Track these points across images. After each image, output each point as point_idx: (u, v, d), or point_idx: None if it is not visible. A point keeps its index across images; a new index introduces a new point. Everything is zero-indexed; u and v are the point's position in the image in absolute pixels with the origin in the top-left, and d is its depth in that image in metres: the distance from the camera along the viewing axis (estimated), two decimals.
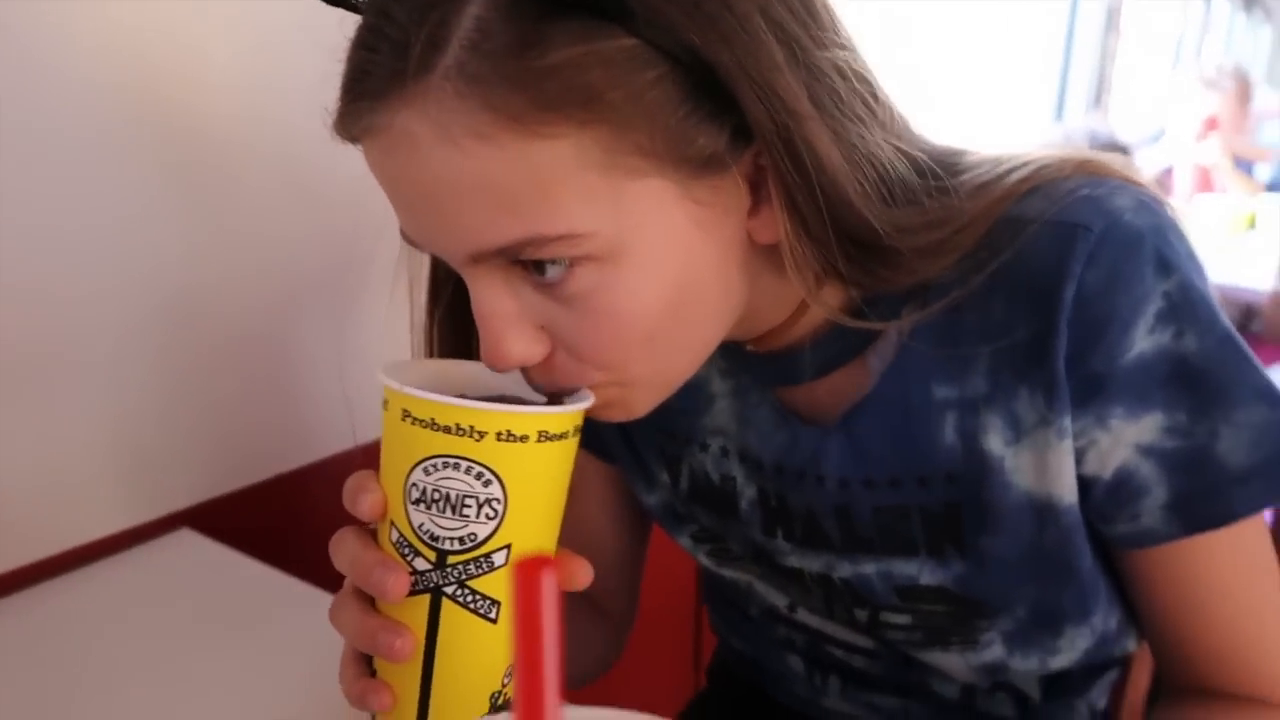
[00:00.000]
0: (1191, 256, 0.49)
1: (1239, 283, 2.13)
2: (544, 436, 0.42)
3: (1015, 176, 0.51)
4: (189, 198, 0.80)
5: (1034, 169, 0.51)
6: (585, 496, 0.78)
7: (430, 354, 0.58)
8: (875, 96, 0.49)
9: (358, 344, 0.95)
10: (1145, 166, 2.93)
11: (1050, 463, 0.51)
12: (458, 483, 0.42)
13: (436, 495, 0.42)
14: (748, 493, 0.62)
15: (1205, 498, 0.50)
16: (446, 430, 0.41)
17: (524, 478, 0.43)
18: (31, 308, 0.72)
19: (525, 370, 0.49)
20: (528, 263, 0.44)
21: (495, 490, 0.42)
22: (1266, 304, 1.67)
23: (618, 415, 0.51)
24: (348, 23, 0.44)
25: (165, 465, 0.82)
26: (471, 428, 0.41)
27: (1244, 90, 2.77)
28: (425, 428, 0.42)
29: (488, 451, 0.42)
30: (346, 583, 0.47)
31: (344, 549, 0.46)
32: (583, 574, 0.46)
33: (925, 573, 0.57)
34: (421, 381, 0.45)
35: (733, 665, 0.82)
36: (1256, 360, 0.50)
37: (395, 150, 0.43)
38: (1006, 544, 0.54)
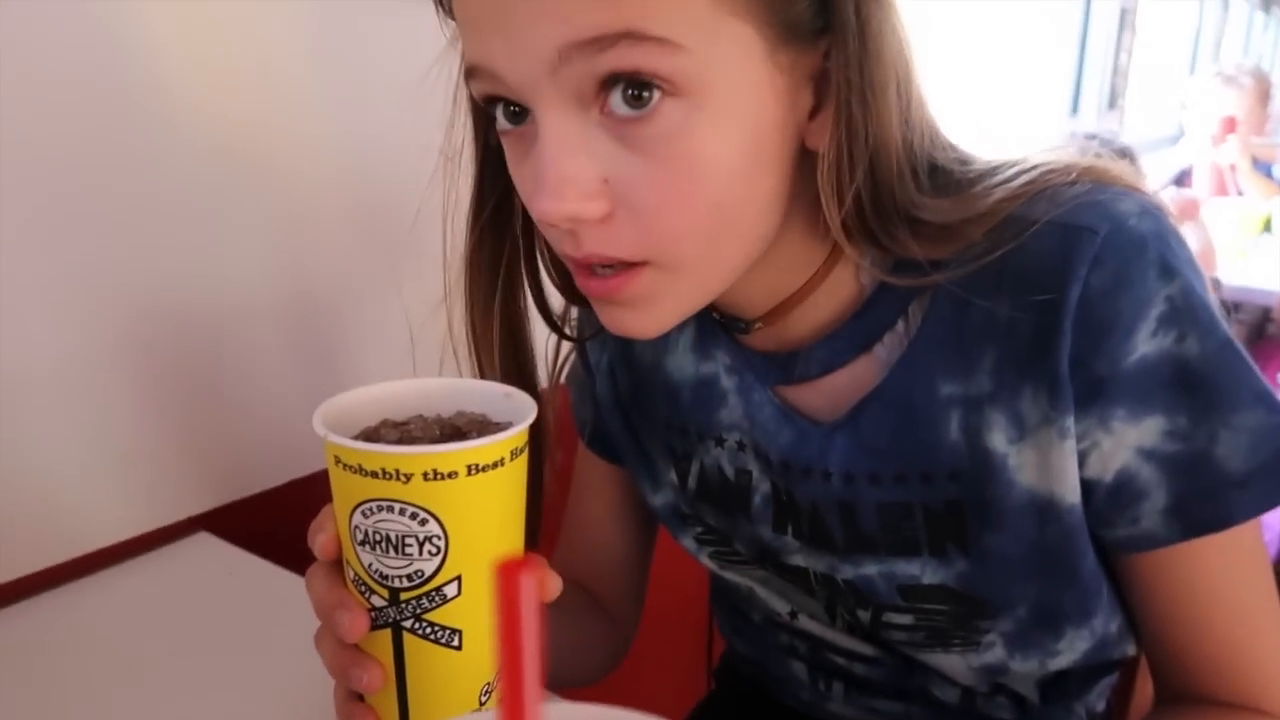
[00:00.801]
0: (1192, 262, 0.50)
1: (1254, 284, 2.12)
2: (474, 469, 0.42)
3: (1022, 179, 0.52)
4: (204, 204, 0.81)
5: (1040, 172, 0.52)
6: (590, 499, 0.79)
7: (473, 279, 0.60)
8: (917, 83, 0.51)
9: (373, 347, 0.96)
10: (1163, 168, 2.92)
11: (1053, 462, 0.52)
12: (395, 524, 0.42)
13: (378, 537, 0.43)
14: (762, 487, 0.63)
15: (1204, 501, 0.50)
16: (374, 475, 0.42)
17: (460, 512, 0.43)
18: (48, 313, 0.73)
19: (574, 232, 0.48)
20: (614, 88, 0.44)
21: (433, 528, 0.42)
22: (1277, 306, 1.66)
23: (639, 325, 0.51)
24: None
25: (183, 470, 0.83)
26: (398, 471, 0.41)
27: (1263, 89, 2.75)
28: (355, 473, 0.42)
29: (417, 492, 0.42)
30: None
31: (311, 588, 0.47)
32: (553, 585, 0.46)
33: (928, 572, 0.57)
34: (371, 410, 0.46)
35: (739, 668, 0.83)
36: (1255, 365, 0.51)
37: None
38: (1008, 542, 0.54)
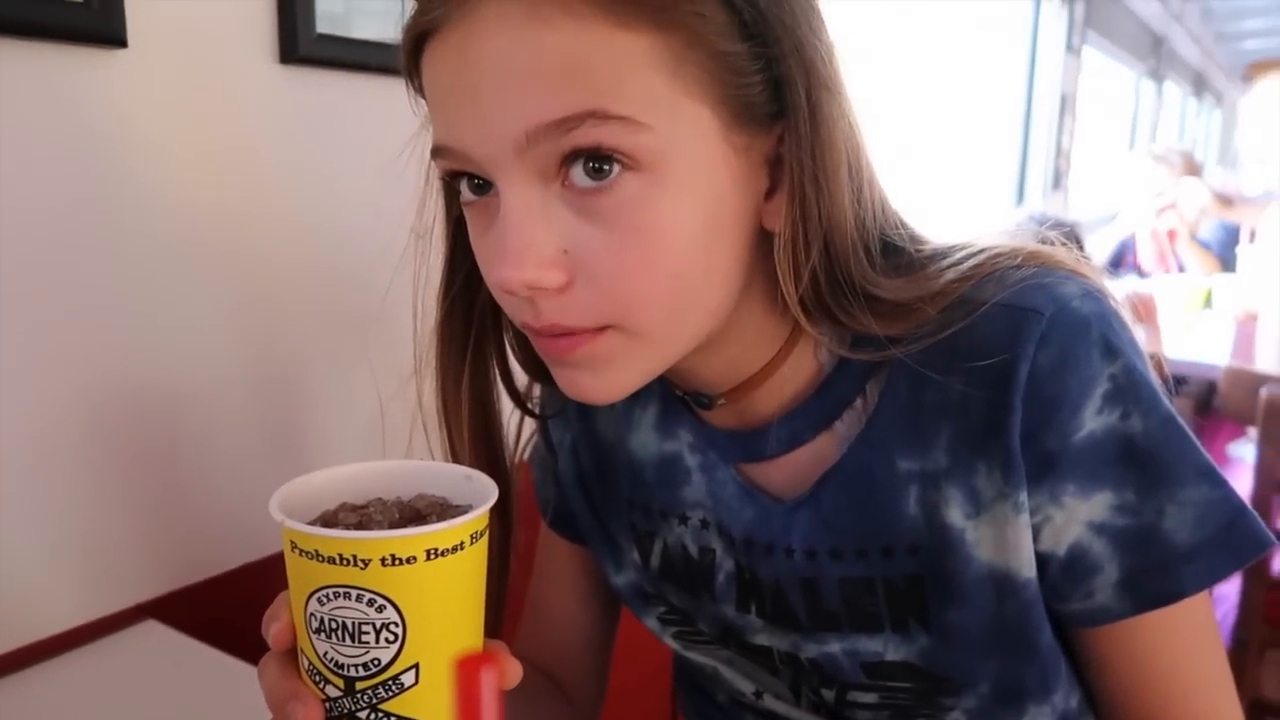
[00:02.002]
0: (1133, 343, 0.52)
1: (1198, 359, 2.18)
2: (433, 554, 0.42)
3: (971, 261, 0.54)
4: (165, 283, 0.81)
5: (988, 256, 0.55)
6: (553, 579, 0.78)
7: (444, 350, 0.61)
8: (867, 163, 0.53)
9: (321, 432, 0.96)
10: (1102, 245, 3.02)
11: (1009, 536, 0.53)
12: (351, 611, 0.42)
13: (334, 624, 0.42)
14: (726, 566, 0.63)
15: (1155, 575, 0.51)
16: (332, 561, 0.41)
17: (419, 598, 0.42)
18: None
19: (533, 301, 0.48)
20: (575, 162, 0.46)
21: (391, 614, 0.42)
22: (1223, 380, 1.72)
23: (596, 389, 0.52)
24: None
25: (129, 556, 0.81)
26: (355, 556, 0.41)
27: (1191, 169, 2.89)
28: (312, 559, 0.42)
29: (375, 578, 0.41)
30: None
31: (264, 679, 0.46)
32: (513, 672, 0.45)
33: (890, 649, 0.57)
34: (330, 492, 0.45)
35: None
36: (1197, 441, 0.52)
37: (479, 34, 0.45)
38: (968, 617, 0.55)
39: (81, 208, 0.75)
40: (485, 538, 0.45)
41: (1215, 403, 2.00)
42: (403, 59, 0.51)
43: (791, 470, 0.59)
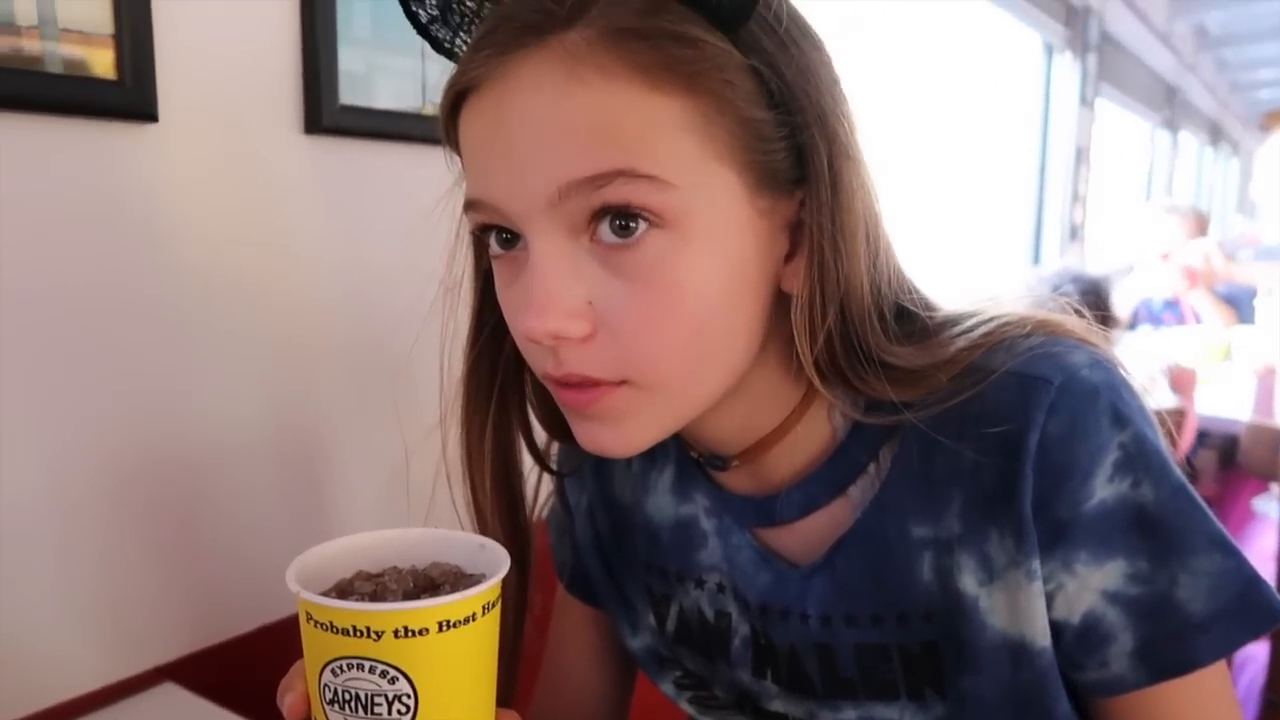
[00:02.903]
0: (1143, 411, 0.53)
1: (1219, 413, 2.16)
2: (445, 626, 0.42)
3: (982, 330, 0.55)
4: (177, 357, 0.82)
5: (998, 324, 0.55)
6: (570, 642, 0.78)
7: (469, 399, 0.62)
8: (884, 231, 0.55)
9: (341, 493, 0.96)
10: (1122, 301, 3.01)
11: (1022, 604, 0.53)
12: (364, 682, 0.42)
13: (347, 695, 0.43)
14: (742, 630, 0.63)
15: (1170, 644, 0.51)
16: (345, 632, 0.42)
17: (431, 670, 0.43)
18: (13, 452, 0.73)
19: (555, 350, 0.50)
20: (604, 219, 0.47)
21: (403, 686, 0.42)
22: (1244, 436, 1.70)
23: (612, 442, 0.52)
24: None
25: (147, 618, 0.82)
26: (368, 628, 0.42)
27: (1200, 222, 2.93)
28: (326, 630, 0.42)
29: (388, 650, 0.42)
30: None
31: None
32: None
33: (906, 717, 0.57)
34: (346, 561, 0.46)
35: None
36: (1208, 509, 0.52)
37: (517, 91, 0.47)
38: (984, 685, 0.54)
39: (112, 277, 0.77)
40: (497, 608, 0.46)
41: (1238, 458, 1.98)
42: (441, 115, 0.53)
43: (806, 535, 0.60)
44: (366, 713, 0.43)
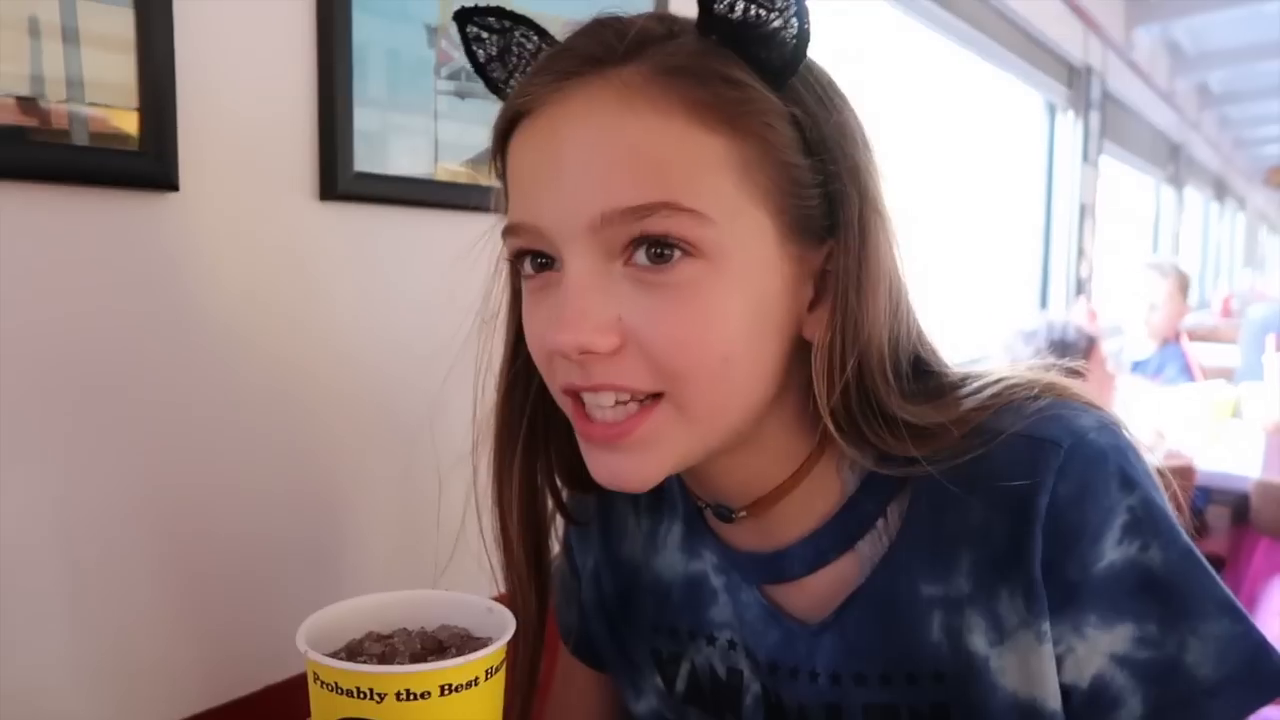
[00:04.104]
0: (1149, 475, 0.53)
1: (1228, 470, 2.15)
2: (448, 690, 0.43)
3: (990, 391, 0.56)
4: (196, 419, 0.83)
5: (1005, 386, 0.57)
6: (573, 707, 0.78)
7: (502, 425, 0.63)
8: (905, 288, 0.57)
9: (352, 553, 0.97)
10: (1124, 355, 3.03)
11: (1033, 666, 0.53)
12: None
13: None
14: (753, 688, 0.63)
15: (1179, 711, 0.51)
16: (350, 693, 0.43)
17: None
18: (20, 517, 0.73)
19: (583, 364, 0.51)
20: (641, 245, 0.49)
21: None
22: (1254, 494, 1.69)
23: (630, 473, 0.53)
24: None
25: (153, 679, 0.82)
26: (372, 690, 0.43)
27: (1183, 282, 2.96)
28: (332, 691, 0.43)
29: (391, 712, 0.43)
30: None
31: None
32: None
33: None
34: (357, 621, 0.47)
35: None
36: (1215, 574, 0.53)
37: (571, 116, 0.50)
38: None
39: (134, 342, 0.78)
40: (502, 672, 0.46)
41: (1249, 516, 1.96)
42: (494, 138, 0.55)
43: (815, 592, 0.60)
44: None
